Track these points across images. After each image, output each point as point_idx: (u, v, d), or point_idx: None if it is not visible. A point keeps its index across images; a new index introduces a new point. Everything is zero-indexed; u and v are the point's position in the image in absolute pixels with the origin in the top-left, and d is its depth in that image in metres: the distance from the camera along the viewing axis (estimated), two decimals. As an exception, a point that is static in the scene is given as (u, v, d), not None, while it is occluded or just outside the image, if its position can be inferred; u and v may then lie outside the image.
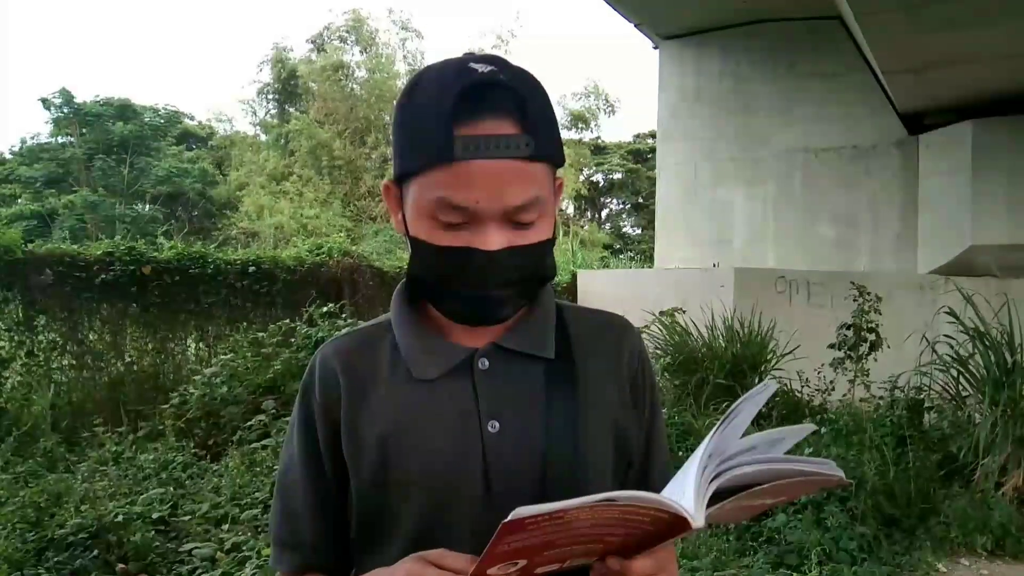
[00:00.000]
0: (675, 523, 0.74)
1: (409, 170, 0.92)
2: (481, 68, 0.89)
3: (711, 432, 0.78)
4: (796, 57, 11.08)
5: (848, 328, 6.41)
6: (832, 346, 6.48)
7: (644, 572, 0.81)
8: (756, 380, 6.67)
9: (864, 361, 6.35)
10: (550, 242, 0.96)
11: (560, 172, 1.00)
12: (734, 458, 0.77)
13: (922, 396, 5.73)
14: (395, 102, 0.97)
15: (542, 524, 0.70)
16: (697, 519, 0.72)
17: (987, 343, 5.65)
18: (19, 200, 25.44)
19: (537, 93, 0.91)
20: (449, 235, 0.90)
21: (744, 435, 0.81)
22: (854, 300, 6.46)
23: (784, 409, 6.20)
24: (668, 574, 0.84)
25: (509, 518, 0.68)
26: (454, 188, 0.87)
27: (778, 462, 0.78)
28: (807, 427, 0.86)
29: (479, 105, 0.87)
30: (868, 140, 10.63)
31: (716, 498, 0.76)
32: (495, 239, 0.89)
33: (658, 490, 0.76)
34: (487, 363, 0.98)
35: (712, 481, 0.75)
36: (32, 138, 27.82)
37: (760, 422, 5.55)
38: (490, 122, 0.87)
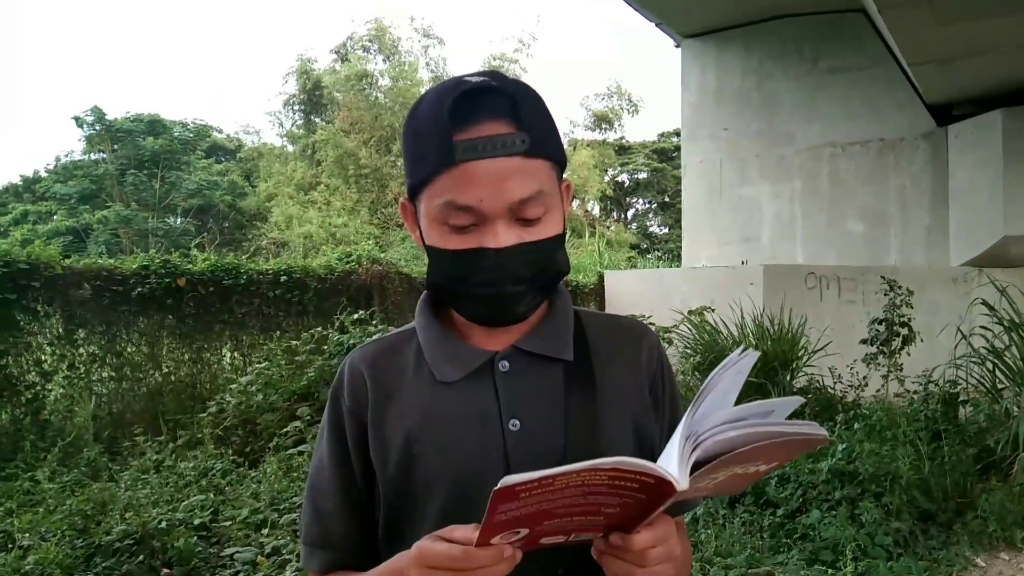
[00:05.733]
0: (662, 488, 0.76)
1: (417, 181, 0.97)
2: (474, 79, 0.95)
3: (693, 401, 0.81)
4: (819, 52, 11.00)
5: (880, 323, 6.36)
6: (864, 341, 6.43)
7: (645, 544, 0.83)
8: (788, 377, 6.65)
9: (897, 356, 6.30)
10: (560, 237, 1.00)
11: (569, 180, 1.05)
12: (720, 426, 0.79)
13: (957, 390, 5.66)
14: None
15: (534, 492, 0.73)
16: (681, 482, 0.75)
17: (1023, 334, 5.58)
18: (55, 216, 25.99)
19: (530, 95, 0.97)
20: (460, 238, 0.95)
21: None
22: (885, 295, 6.41)
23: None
24: (669, 546, 0.86)
25: (499, 485, 0.71)
26: (458, 190, 0.92)
27: (761, 426, 0.79)
28: (796, 399, 0.87)
29: (474, 111, 0.92)
30: (895, 133, 10.51)
31: (707, 465, 0.78)
32: (504, 237, 0.94)
33: None
34: (507, 365, 1.02)
35: (697, 447, 0.78)
36: (66, 156, 28.56)
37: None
38: (486, 125, 0.92)
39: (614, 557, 0.85)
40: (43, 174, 29.27)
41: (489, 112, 0.93)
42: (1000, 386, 5.80)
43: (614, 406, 1.03)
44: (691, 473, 0.77)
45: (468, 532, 0.81)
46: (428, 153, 0.94)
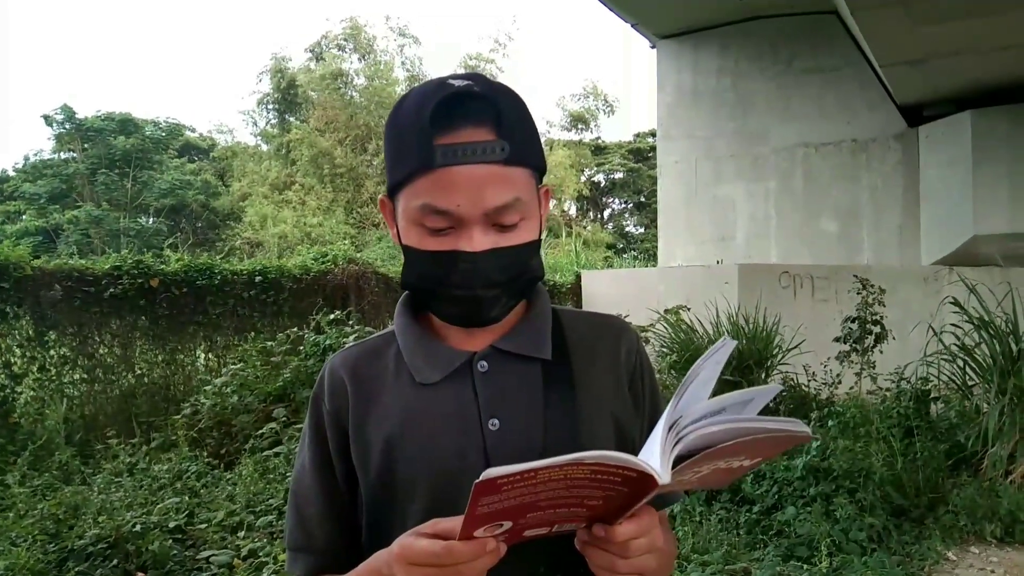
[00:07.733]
0: (645, 481, 0.76)
1: (397, 181, 0.98)
2: (458, 83, 0.95)
3: (675, 393, 0.81)
4: (793, 53, 11.12)
5: (853, 321, 6.43)
6: (837, 339, 6.50)
7: (627, 536, 0.83)
8: (763, 375, 6.70)
9: (870, 353, 6.37)
10: (535, 243, 1.01)
11: (545, 181, 1.05)
12: (702, 419, 0.80)
13: (928, 387, 5.74)
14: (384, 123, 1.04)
15: (516, 485, 0.73)
16: (663, 475, 0.75)
17: (992, 332, 5.66)
18: (23, 216, 25.56)
19: (513, 103, 0.97)
20: (436, 240, 0.96)
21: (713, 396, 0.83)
22: (858, 293, 6.48)
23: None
24: (652, 537, 0.86)
25: (481, 478, 0.70)
26: (437, 194, 0.93)
27: (745, 421, 0.80)
28: (774, 387, 0.88)
29: (456, 116, 0.93)
30: (868, 134, 10.65)
31: (689, 459, 0.78)
32: (479, 241, 0.94)
33: None
34: (486, 365, 1.02)
35: (679, 441, 0.78)
36: (35, 155, 28.10)
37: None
38: (467, 130, 0.92)
39: (597, 548, 0.85)
40: (11, 173, 28.79)
41: (471, 118, 0.93)
42: (970, 383, 5.88)
43: (593, 403, 1.04)
44: (673, 467, 0.77)
45: (453, 524, 0.81)
46: (408, 154, 0.94)
